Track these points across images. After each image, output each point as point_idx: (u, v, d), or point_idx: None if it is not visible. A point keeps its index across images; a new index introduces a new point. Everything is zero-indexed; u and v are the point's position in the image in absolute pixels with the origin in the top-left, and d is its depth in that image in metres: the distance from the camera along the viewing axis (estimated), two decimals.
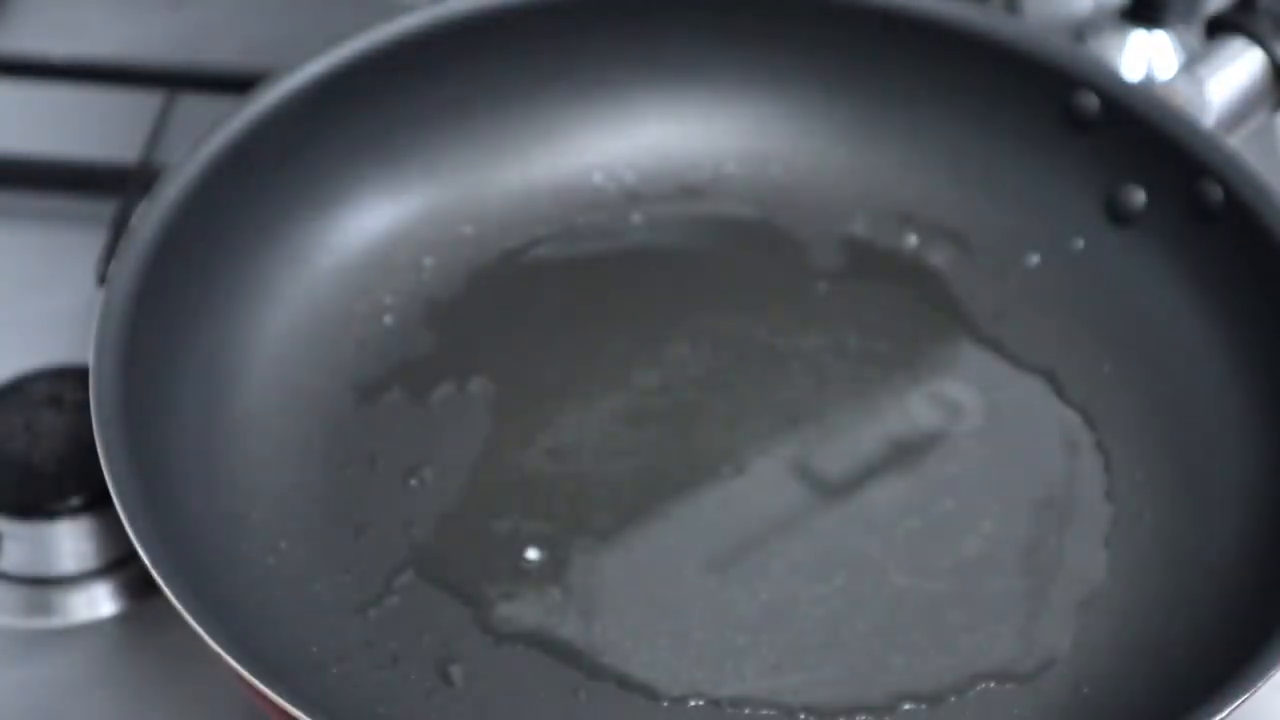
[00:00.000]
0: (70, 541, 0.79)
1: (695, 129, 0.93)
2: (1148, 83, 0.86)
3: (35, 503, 0.78)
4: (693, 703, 0.74)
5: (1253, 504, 0.78)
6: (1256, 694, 0.67)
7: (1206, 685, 0.68)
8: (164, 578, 0.67)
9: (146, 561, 0.68)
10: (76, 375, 0.82)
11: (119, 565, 0.80)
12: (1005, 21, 0.89)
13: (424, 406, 0.83)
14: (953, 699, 0.74)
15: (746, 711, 0.74)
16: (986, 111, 0.89)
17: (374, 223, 0.88)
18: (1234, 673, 0.68)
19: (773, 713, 0.73)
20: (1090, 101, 0.86)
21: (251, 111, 0.82)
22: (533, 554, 0.78)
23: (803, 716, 0.73)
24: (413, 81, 0.87)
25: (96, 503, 0.79)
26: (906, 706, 0.74)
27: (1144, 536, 0.79)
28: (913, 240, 0.90)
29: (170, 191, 0.79)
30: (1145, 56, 1.04)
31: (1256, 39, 0.84)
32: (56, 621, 0.79)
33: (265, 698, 0.66)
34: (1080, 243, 0.88)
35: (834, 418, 0.83)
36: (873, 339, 0.86)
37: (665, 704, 0.74)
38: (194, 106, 0.97)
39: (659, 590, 0.77)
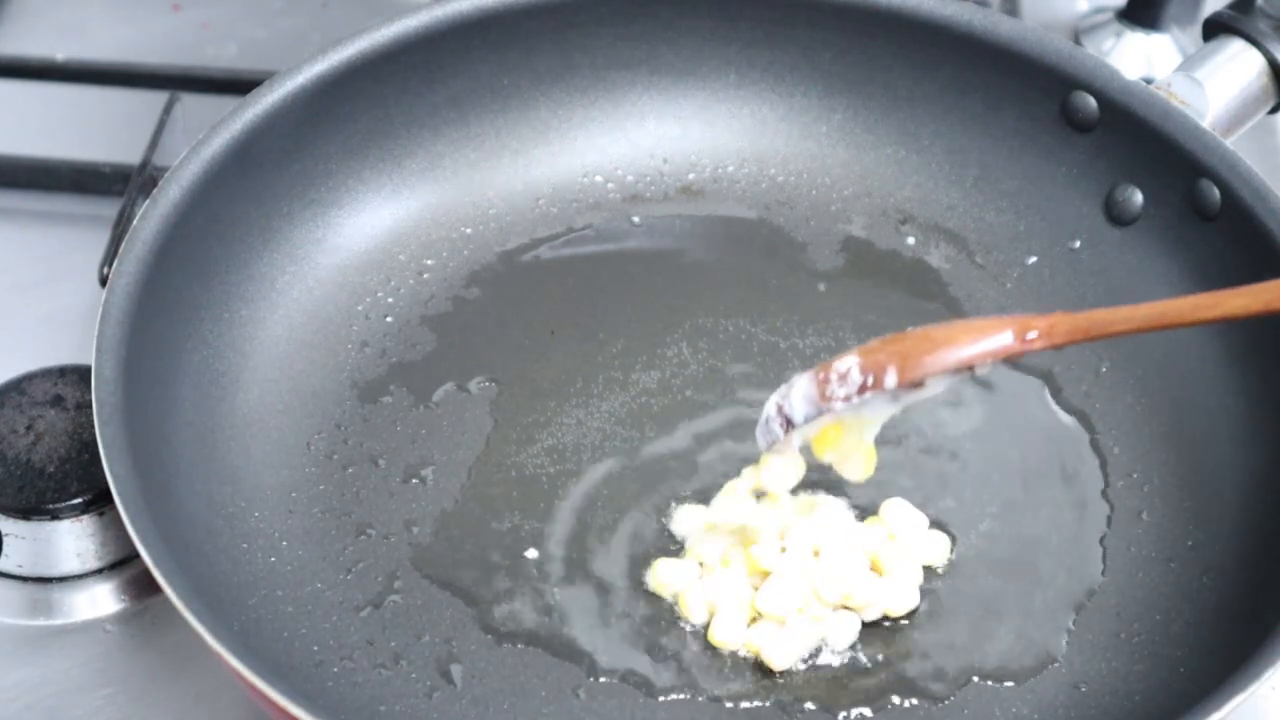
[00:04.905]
0: (71, 541, 0.79)
1: (695, 129, 0.93)
2: (1146, 84, 0.86)
3: (37, 502, 0.79)
4: (695, 698, 0.74)
5: (1250, 503, 0.78)
6: (1254, 695, 0.67)
7: (1204, 684, 0.68)
8: (165, 577, 0.68)
9: (147, 561, 0.68)
10: (78, 375, 0.82)
11: (120, 565, 0.80)
12: (1004, 22, 0.89)
13: (425, 406, 0.83)
14: (951, 696, 0.74)
15: (746, 707, 0.74)
16: (985, 112, 0.89)
17: (374, 223, 0.88)
18: (1231, 672, 0.68)
19: (772, 708, 0.74)
20: (1088, 102, 0.86)
21: (252, 112, 0.82)
22: (532, 554, 0.78)
23: (801, 713, 0.74)
24: (413, 81, 0.88)
25: (98, 502, 0.79)
26: (906, 704, 0.74)
27: (1141, 536, 0.79)
28: (911, 240, 0.90)
29: (171, 192, 0.79)
30: (1143, 58, 1.04)
31: (1254, 40, 0.84)
32: (58, 621, 0.79)
33: (266, 697, 0.66)
34: (1078, 243, 0.88)
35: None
36: (871, 339, 0.86)
37: (665, 700, 0.74)
38: (195, 108, 0.97)
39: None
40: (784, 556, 0.76)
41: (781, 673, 0.75)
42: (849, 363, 0.69)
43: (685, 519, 0.79)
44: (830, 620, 0.75)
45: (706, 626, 0.76)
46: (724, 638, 0.75)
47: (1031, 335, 0.68)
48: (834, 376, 0.69)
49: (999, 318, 0.69)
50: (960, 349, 0.68)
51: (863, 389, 0.69)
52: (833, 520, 0.78)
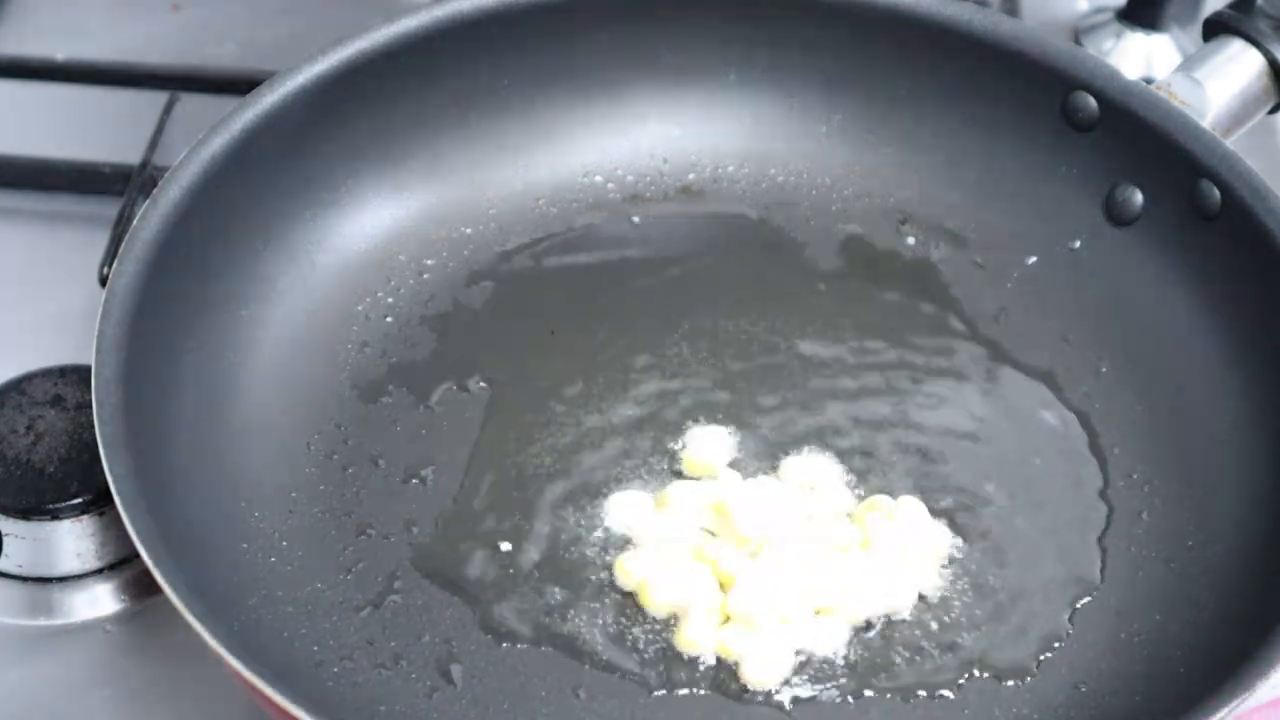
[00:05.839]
0: (71, 541, 0.79)
1: (695, 129, 0.93)
2: (1146, 84, 0.86)
3: (37, 502, 0.79)
4: (695, 694, 0.74)
5: (1250, 503, 0.78)
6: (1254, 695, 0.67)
7: (1204, 684, 0.69)
8: (165, 577, 0.68)
9: (147, 561, 0.68)
10: (78, 375, 0.82)
11: (120, 565, 0.80)
12: (1005, 22, 0.89)
13: (424, 406, 0.83)
14: (950, 696, 0.74)
15: (746, 703, 0.74)
16: (985, 112, 0.89)
17: (374, 223, 0.88)
18: (1231, 672, 0.68)
19: (772, 704, 0.74)
20: (1088, 102, 0.86)
21: (251, 112, 0.82)
22: (533, 554, 0.78)
23: (800, 709, 0.74)
24: (413, 81, 0.87)
25: (98, 502, 0.79)
26: (905, 703, 0.74)
27: (1141, 535, 0.79)
28: (911, 240, 0.90)
29: (171, 192, 0.79)
30: (1143, 57, 1.04)
31: (1254, 40, 0.84)
32: (58, 621, 0.79)
33: (266, 697, 0.66)
34: (1078, 243, 0.88)
35: (833, 417, 0.83)
36: (871, 339, 0.86)
37: (665, 697, 0.74)
38: (195, 108, 0.97)
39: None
40: (752, 560, 0.76)
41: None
42: None
43: (623, 508, 0.79)
44: (813, 626, 0.75)
45: (679, 622, 0.76)
46: (694, 638, 0.75)
47: None
48: None
49: None
50: None
51: None
52: (819, 517, 0.78)
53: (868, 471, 0.81)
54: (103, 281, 0.85)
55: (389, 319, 0.86)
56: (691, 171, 0.92)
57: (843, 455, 0.81)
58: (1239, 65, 0.85)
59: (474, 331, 0.86)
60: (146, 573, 0.68)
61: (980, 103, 0.89)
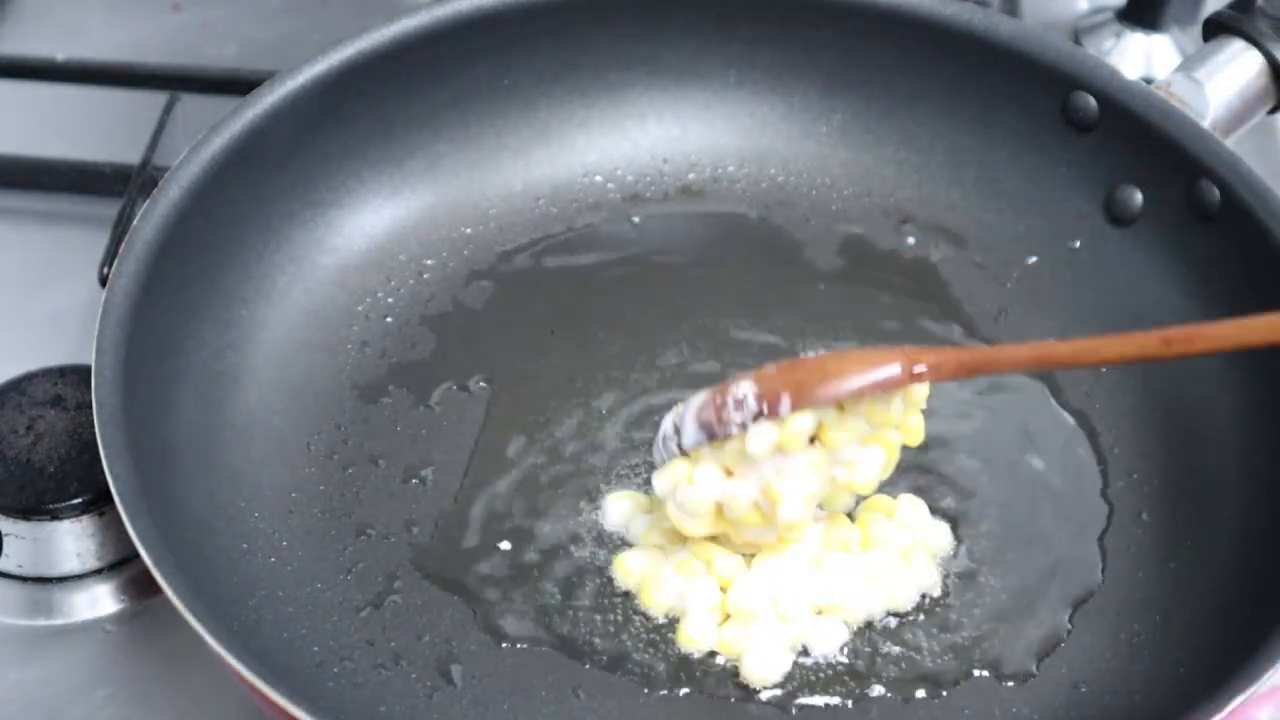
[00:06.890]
0: (71, 541, 0.79)
1: (695, 129, 0.93)
2: (1146, 84, 0.86)
3: (37, 502, 0.79)
4: (695, 694, 0.74)
5: (1250, 504, 0.78)
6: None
7: (1204, 684, 0.68)
8: (165, 577, 0.68)
9: (148, 561, 0.68)
10: (78, 375, 0.82)
11: (120, 565, 0.80)
12: (1004, 22, 0.89)
13: (424, 407, 0.83)
14: (950, 696, 0.74)
15: (747, 703, 0.74)
16: (985, 112, 0.89)
17: (374, 223, 0.88)
18: (1231, 672, 0.68)
19: (771, 704, 0.74)
20: (1088, 102, 0.86)
21: (251, 112, 0.82)
22: (533, 554, 0.78)
23: (800, 708, 0.74)
24: (413, 81, 0.88)
25: (98, 502, 0.79)
26: (905, 703, 0.74)
27: (1141, 536, 0.79)
28: (911, 240, 0.90)
29: (171, 192, 0.79)
30: (1143, 57, 1.04)
31: (1254, 40, 0.84)
32: (58, 621, 0.79)
33: (266, 698, 0.66)
34: (1078, 243, 0.88)
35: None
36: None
37: (665, 697, 0.74)
38: (195, 108, 0.97)
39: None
40: (752, 560, 0.76)
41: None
42: (744, 389, 0.71)
43: (622, 508, 0.79)
44: (813, 626, 0.75)
45: (678, 620, 0.76)
46: (694, 635, 0.75)
47: (919, 369, 0.71)
48: (730, 402, 0.71)
49: (890, 349, 0.72)
50: (850, 381, 0.71)
51: (757, 416, 0.71)
52: (819, 517, 0.78)
53: None
54: (103, 281, 0.85)
55: (389, 319, 0.86)
56: (691, 171, 0.93)
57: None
58: (1239, 65, 0.85)
59: (474, 331, 0.86)
60: (146, 573, 0.68)
61: (980, 103, 0.89)
